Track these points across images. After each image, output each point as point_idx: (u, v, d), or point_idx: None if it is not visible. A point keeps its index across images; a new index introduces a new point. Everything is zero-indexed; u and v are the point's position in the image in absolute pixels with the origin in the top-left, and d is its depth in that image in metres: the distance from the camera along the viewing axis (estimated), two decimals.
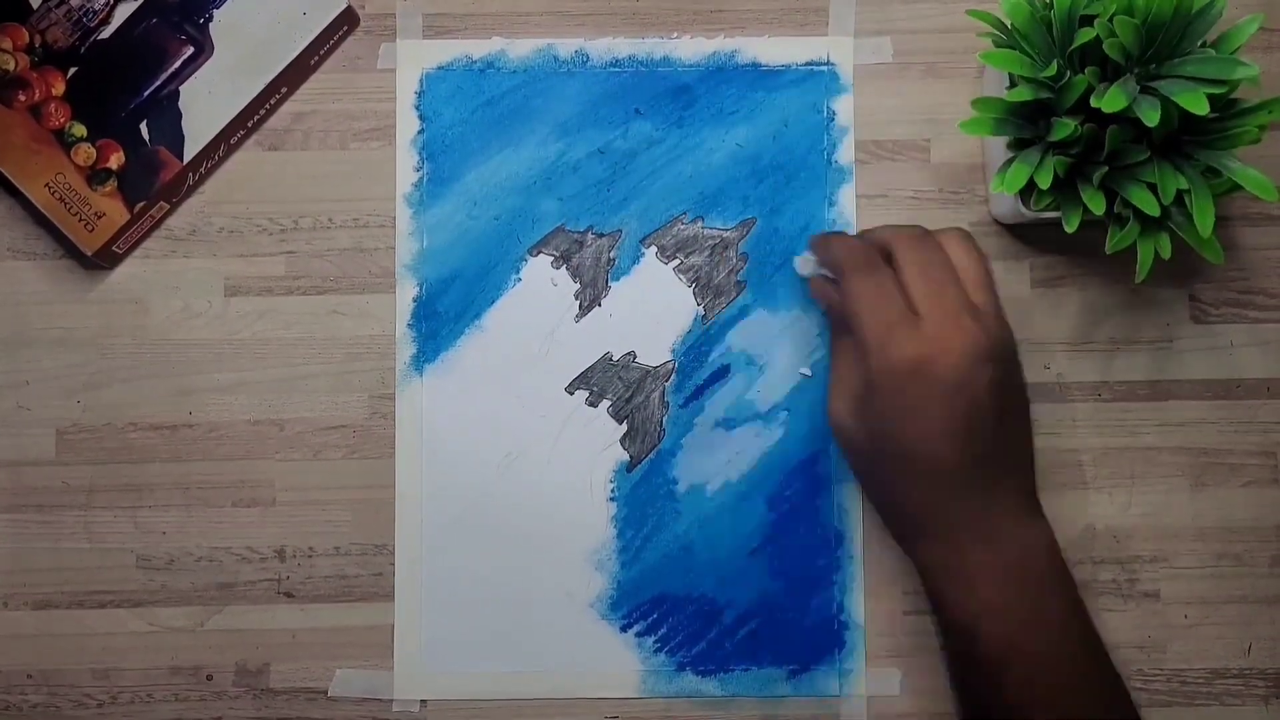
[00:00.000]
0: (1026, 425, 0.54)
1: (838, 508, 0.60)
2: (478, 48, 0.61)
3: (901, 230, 0.54)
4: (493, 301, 0.60)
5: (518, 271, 0.61)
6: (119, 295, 0.60)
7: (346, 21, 0.61)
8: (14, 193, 0.60)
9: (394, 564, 0.59)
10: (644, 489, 0.60)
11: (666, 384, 0.60)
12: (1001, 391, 0.51)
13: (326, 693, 0.59)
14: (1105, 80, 0.52)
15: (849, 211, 0.61)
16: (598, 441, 0.60)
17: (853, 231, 0.60)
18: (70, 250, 0.60)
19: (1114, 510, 0.60)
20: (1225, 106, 0.52)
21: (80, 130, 0.59)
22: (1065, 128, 0.52)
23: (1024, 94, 0.52)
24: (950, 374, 0.50)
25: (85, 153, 0.59)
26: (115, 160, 0.59)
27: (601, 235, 0.61)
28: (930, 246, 0.52)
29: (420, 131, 0.61)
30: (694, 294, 0.61)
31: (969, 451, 0.50)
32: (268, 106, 0.61)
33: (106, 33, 0.59)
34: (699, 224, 0.61)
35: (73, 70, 0.59)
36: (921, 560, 0.53)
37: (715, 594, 0.59)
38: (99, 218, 0.59)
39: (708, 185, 0.61)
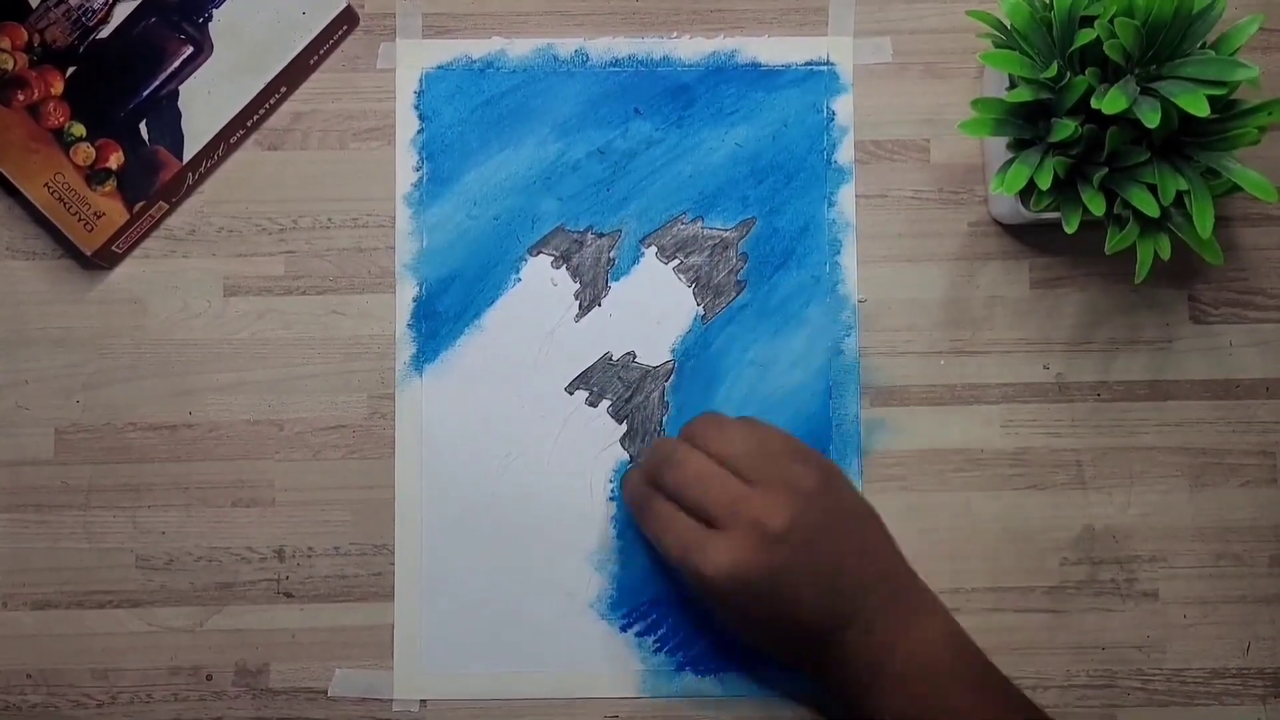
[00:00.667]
0: (869, 532, 0.54)
1: None
2: (477, 47, 0.61)
3: (658, 452, 0.55)
4: (492, 301, 0.60)
5: (517, 271, 0.61)
6: (118, 295, 0.60)
7: (346, 21, 0.61)
8: (13, 192, 0.60)
9: (393, 564, 0.59)
10: None
11: (666, 384, 0.60)
12: (814, 538, 0.51)
13: (326, 693, 0.59)
14: (1105, 81, 0.52)
15: (848, 211, 0.61)
16: (597, 441, 0.60)
17: (852, 233, 0.61)
18: (69, 250, 0.60)
19: (1113, 510, 0.60)
20: (1225, 108, 0.52)
21: (79, 130, 0.59)
22: (1065, 129, 0.52)
23: (1024, 95, 0.52)
24: (753, 568, 0.51)
25: (84, 152, 0.59)
26: (114, 160, 0.59)
27: (601, 235, 0.61)
28: (681, 454, 0.53)
29: (420, 131, 0.61)
30: (694, 294, 0.61)
31: (819, 609, 0.51)
32: (267, 106, 0.60)
33: (105, 32, 0.59)
34: (699, 224, 0.61)
35: (72, 70, 0.59)
36: (833, 697, 0.54)
37: None
38: (98, 217, 0.59)
39: (707, 185, 0.61)
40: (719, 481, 0.52)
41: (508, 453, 0.60)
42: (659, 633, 0.59)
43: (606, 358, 0.60)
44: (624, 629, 0.59)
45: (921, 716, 0.51)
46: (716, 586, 0.51)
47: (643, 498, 0.55)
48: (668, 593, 0.59)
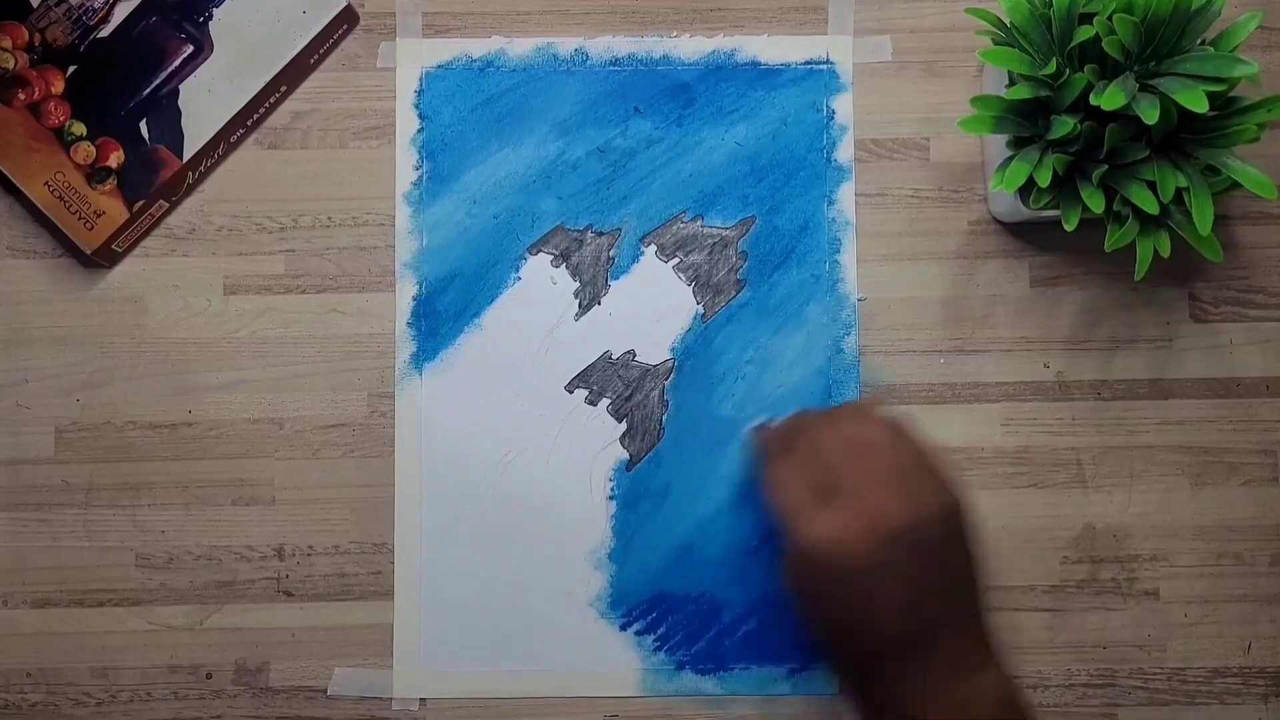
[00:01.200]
0: (969, 577, 0.52)
1: None
2: (477, 46, 0.61)
3: (806, 418, 0.54)
4: (492, 300, 0.60)
5: (517, 270, 0.61)
6: (118, 294, 0.60)
7: (346, 20, 0.61)
8: (13, 191, 0.60)
9: (393, 563, 0.59)
10: (643, 488, 0.60)
11: (666, 382, 0.60)
12: (926, 556, 0.50)
13: (326, 691, 0.59)
14: (1104, 78, 0.52)
15: (848, 210, 0.61)
16: (597, 440, 0.60)
17: (852, 231, 0.61)
18: (70, 249, 0.60)
19: (1114, 509, 0.60)
20: (1224, 104, 0.52)
21: (80, 129, 0.59)
22: (1064, 126, 0.52)
23: (1023, 92, 0.52)
24: (850, 553, 0.49)
25: (85, 151, 0.59)
26: (115, 159, 0.59)
27: (601, 234, 0.61)
28: (844, 420, 0.53)
29: (420, 130, 0.61)
30: (693, 292, 0.61)
31: (884, 628, 0.49)
32: (267, 105, 0.61)
33: (106, 31, 0.59)
34: (698, 222, 0.61)
35: (72, 69, 0.59)
36: (866, 713, 0.52)
37: (714, 593, 0.59)
38: (98, 216, 0.59)
39: (707, 184, 0.61)
40: (857, 459, 0.51)
41: (507, 451, 0.60)
42: (658, 631, 0.59)
43: (606, 356, 0.60)
44: (623, 628, 0.59)
45: None
46: (808, 554, 0.50)
47: (773, 449, 0.53)
48: (667, 592, 0.59)
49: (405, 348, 0.60)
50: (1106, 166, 0.53)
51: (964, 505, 0.51)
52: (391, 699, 0.59)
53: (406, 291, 0.60)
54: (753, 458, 0.56)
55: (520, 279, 0.61)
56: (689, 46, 0.62)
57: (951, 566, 0.51)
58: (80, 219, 0.59)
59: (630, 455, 0.60)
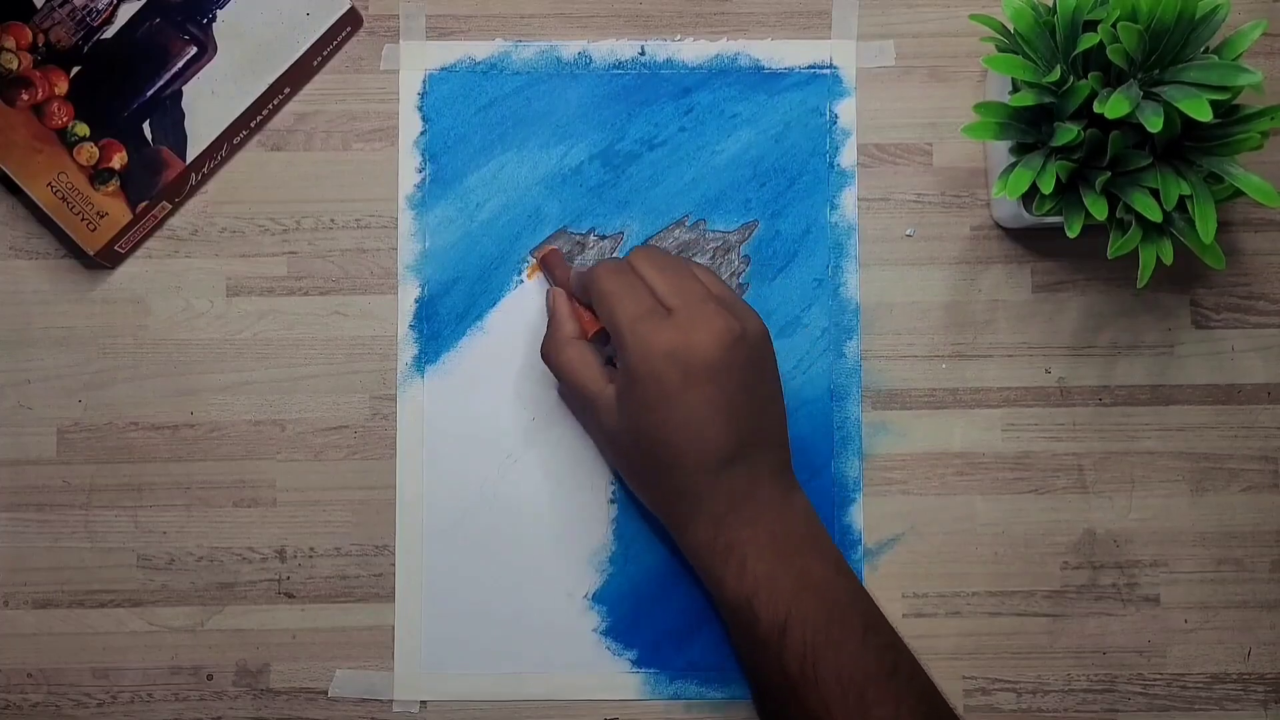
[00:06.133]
0: (780, 405, 0.55)
1: (837, 509, 0.60)
2: (481, 49, 0.61)
3: (635, 249, 0.56)
4: (495, 303, 0.61)
5: (520, 273, 0.61)
6: (121, 295, 0.60)
7: (350, 22, 0.61)
8: (16, 192, 0.60)
9: (394, 565, 0.59)
10: None
11: None
12: (755, 373, 0.53)
13: (326, 693, 0.59)
14: (1108, 86, 0.52)
15: (851, 214, 0.61)
16: None
17: (855, 233, 0.61)
18: (72, 250, 0.60)
19: (1114, 514, 0.60)
20: (1228, 112, 0.52)
21: (83, 130, 0.59)
22: (1068, 133, 0.52)
23: (1027, 99, 0.52)
24: (705, 357, 0.52)
25: (88, 152, 0.59)
26: (118, 160, 0.59)
27: (604, 237, 0.61)
28: (662, 254, 0.56)
29: (423, 133, 0.61)
30: None
31: (730, 431, 0.52)
32: (270, 107, 0.61)
33: (110, 32, 0.59)
34: (701, 226, 0.61)
35: (76, 70, 0.59)
36: (691, 544, 0.54)
37: None
38: (101, 217, 0.59)
39: (710, 188, 0.61)
40: (691, 281, 0.54)
41: (508, 454, 0.60)
42: (659, 635, 0.59)
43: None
44: (624, 631, 0.59)
45: (784, 576, 0.52)
46: (660, 357, 0.51)
47: (609, 270, 0.55)
48: (668, 595, 0.59)
49: (407, 350, 0.60)
50: (1109, 173, 0.53)
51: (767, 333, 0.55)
52: (392, 701, 0.59)
53: (409, 294, 0.60)
54: (583, 279, 0.56)
55: (523, 282, 0.61)
56: (692, 50, 0.62)
57: (774, 387, 0.55)
58: (83, 220, 0.59)
59: None
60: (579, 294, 0.57)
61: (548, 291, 0.59)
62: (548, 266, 0.59)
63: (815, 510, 0.55)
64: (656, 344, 0.52)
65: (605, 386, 0.55)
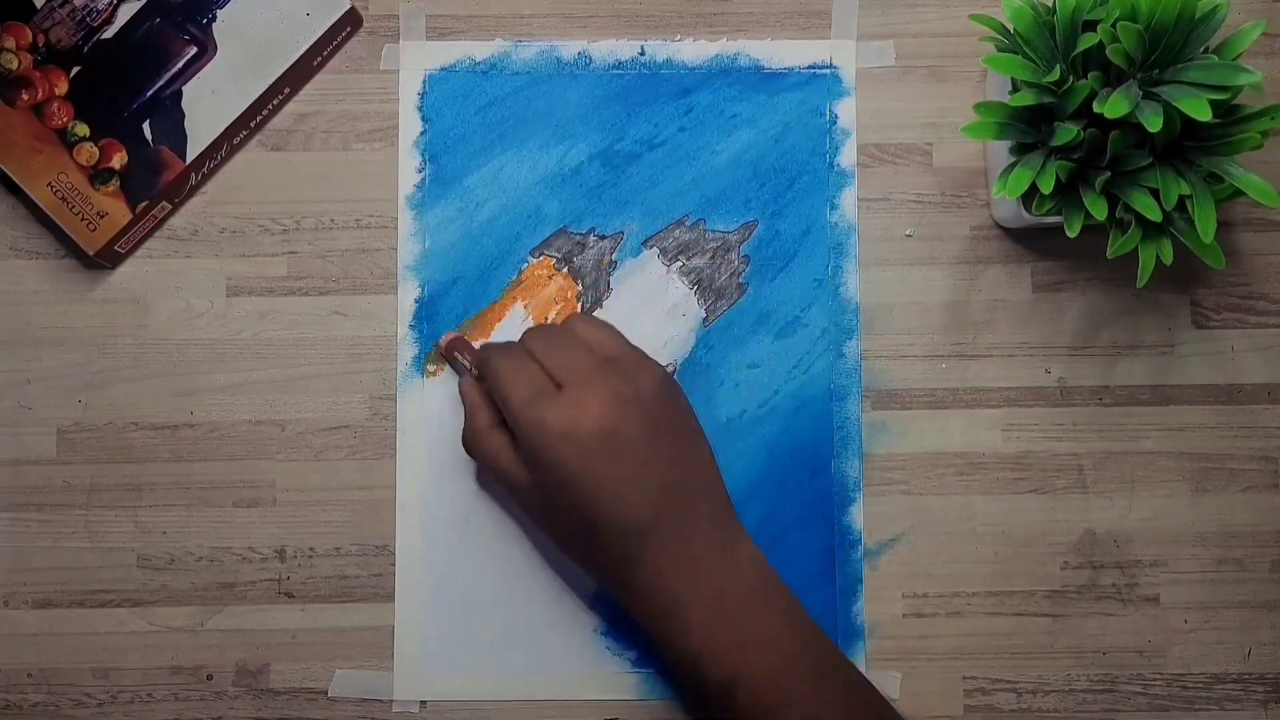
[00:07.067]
0: (701, 450, 0.55)
1: (837, 509, 0.60)
2: (481, 49, 0.62)
3: (525, 332, 0.57)
4: (494, 303, 0.61)
5: (519, 273, 0.61)
6: (121, 295, 0.61)
7: (350, 22, 0.61)
8: (16, 192, 0.60)
9: (394, 565, 0.59)
10: None
11: None
12: (659, 429, 0.52)
13: (326, 693, 0.59)
14: (1108, 85, 0.52)
15: (851, 215, 0.61)
16: None
17: (855, 233, 0.61)
18: (72, 250, 0.60)
19: (1114, 515, 0.60)
20: (1228, 112, 0.52)
21: (83, 130, 0.59)
22: (1068, 133, 0.52)
23: (1027, 99, 0.52)
24: (598, 426, 0.51)
25: (88, 152, 0.59)
26: (118, 160, 0.59)
27: (603, 237, 0.61)
28: (552, 329, 0.56)
29: (423, 133, 0.61)
30: (695, 296, 0.61)
31: (644, 496, 0.51)
32: (270, 107, 0.61)
33: (110, 32, 0.60)
34: (701, 226, 0.61)
35: (76, 70, 0.59)
36: (633, 608, 0.53)
37: None
38: (101, 217, 0.59)
39: (710, 188, 0.61)
40: (578, 348, 0.54)
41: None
42: None
43: None
44: (625, 631, 0.59)
45: (729, 634, 0.51)
46: (555, 438, 0.51)
47: (503, 349, 0.55)
48: None
49: (407, 350, 0.60)
50: (1109, 173, 0.53)
51: (673, 379, 0.56)
52: (392, 701, 0.59)
53: (409, 294, 0.60)
54: (474, 361, 0.57)
55: (522, 282, 0.61)
56: (692, 50, 0.62)
57: (690, 436, 0.54)
58: (83, 220, 0.59)
59: None
60: (472, 362, 0.58)
61: (459, 381, 0.58)
62: (451, 354, 0.59)
63: (762, 553, 0.54)
64: (550, 426, 0.51)
65: (521, 473, 0.54)
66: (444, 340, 0.59)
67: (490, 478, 0.58)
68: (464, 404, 0.57)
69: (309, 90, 0.61)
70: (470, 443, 0.56)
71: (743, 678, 0.50)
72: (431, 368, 0.60)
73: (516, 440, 0.53)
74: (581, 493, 0.51)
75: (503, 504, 0.59)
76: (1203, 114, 0.49)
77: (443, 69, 0.61)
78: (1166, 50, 0.51)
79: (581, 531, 0.53)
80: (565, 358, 0.54)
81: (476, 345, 0.58)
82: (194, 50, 0.60)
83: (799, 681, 0.50)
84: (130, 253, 0.60)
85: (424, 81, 0.61)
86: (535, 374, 0.53)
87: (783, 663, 0.51)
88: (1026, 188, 0.53)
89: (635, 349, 0.55)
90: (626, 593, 0.53)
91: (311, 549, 0.60)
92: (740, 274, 0.61)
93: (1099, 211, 0.52)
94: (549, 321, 0.60)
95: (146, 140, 0.59)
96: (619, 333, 0.56)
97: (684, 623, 0.51)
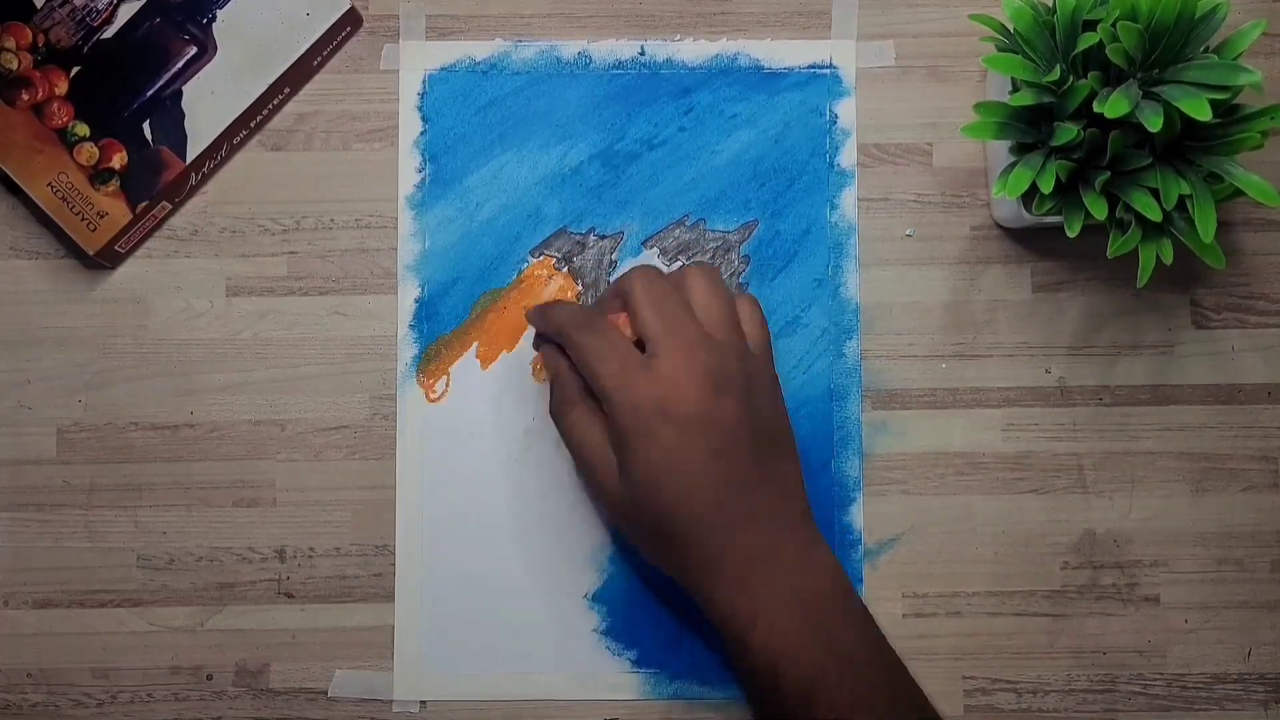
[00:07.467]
0: (789, 451, 0.53)
1: (837, 509, 0.60)
2: (481, 49, 0.62)
3: (634, 271, 0.53)
4: (495, 303, 0.61)
5: (519, 273, 0.61)
6: (121, 295, 0.61)
7: (349, 22, 0.61)
8: (16, 192, 0.60)
9: (394, 564, 0.59)
10: None
11: None
12: (750, 421, 0.50)
13: (326, 693, 0.59)
14: (1108, 85, 0.52)
15: (851, 215, 0.61)
16: None
17: (855, 233, 0.61)
18: (72, 250, 0.60)
19: (1114, 515, 0.60)
20: (1228, 112, 0.52)
21: (83, 130, 0.59)
22: (1068, 133, 0.52)
23: (1026, 98, 0.52)
24: (695, 410, 0.49)
25: (88, 152, 0.59)
26: (118, 160, 0.59)
27: (603, 237, 0.61)
28: (662, 285, 0.52)
29: (423, 133, 0.61)
30: None
31: (737, 487, 0.50)
32: (270, 107, 0.61)
33: (110, 32, 0.60)
34: (701, 226, 0.61)
35: (76, 70, 0.59)
36: (713, 609, 0.51)
37: None
38: (101, 217, 0.59)
39: (710, 188, 0.61)
40: (689, 323, 0.51)
41: (508, 454, 0.60)
42: (660, 635, 0.59)
43: None
44: (625, 631, 0.59)
45: (816, 648, 0.49)
46: (642, 417, 0.49)
47: (586, 318, 0.52)
48: (669, 595, 0.59)
49: (407, 350, 0.60)
50: (1109, 173, 0.53)
51: (777, 377, 0.53)
52: (392, 701, 0.59)
53: (409, 294, 0.60)
54: (553, 332, 0.54)
55: (522, 282, 0.61)
56: (692, 50, 0.62)
57: (779, 436, 0.52)
58: (83, 220, 0.59)
59: None
60: (550, 333, 0.54)
61: (542, 347, 0.56)
62: (537, 323, 0.56)
63: (839, 562, 0.52)
64: (644, 401, 0.49)
65: (608, 453, 0.51)
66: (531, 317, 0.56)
67: (572, 455, 0.54)
68: (548, 373, 0.54)
69: (309, 90, 0.61)
70: (557, 414, 0.54)
71: (823, 693, 0.48)
72: (423, 378, 0.60)
73: (606, 416, 0.51)
74: (670, 478, 0.49)
75: (580, 475, 0.57)
76: (1203, 114, 0.49)
77: (443, 69, 0.61)
78: (1166, 50, 0.51)
79: (662, 525, 0.51)
80: (666, 322, 0.50)
81: (556, 309, 0.54)
82: (194, 50, 0.60)
83: (876, 705, 0.49)
84: (130, 253, 0.60)
85: (424, 81, 0.61)
86: (621, 344, 0.51)
87: (863, 686, 0.49)
88: (1026, 187, 0.52)
89: (742, 333, 0.52)
90: (707, 590, 0.51)
91: (311, 549, 0.60)
92: (740, 274, 0.61)
93: (1099, 211, 0.52)
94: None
95: (146, 140, 0.59)
96: (733, 307, 0.53)
97: (766, 626, 0.49)
